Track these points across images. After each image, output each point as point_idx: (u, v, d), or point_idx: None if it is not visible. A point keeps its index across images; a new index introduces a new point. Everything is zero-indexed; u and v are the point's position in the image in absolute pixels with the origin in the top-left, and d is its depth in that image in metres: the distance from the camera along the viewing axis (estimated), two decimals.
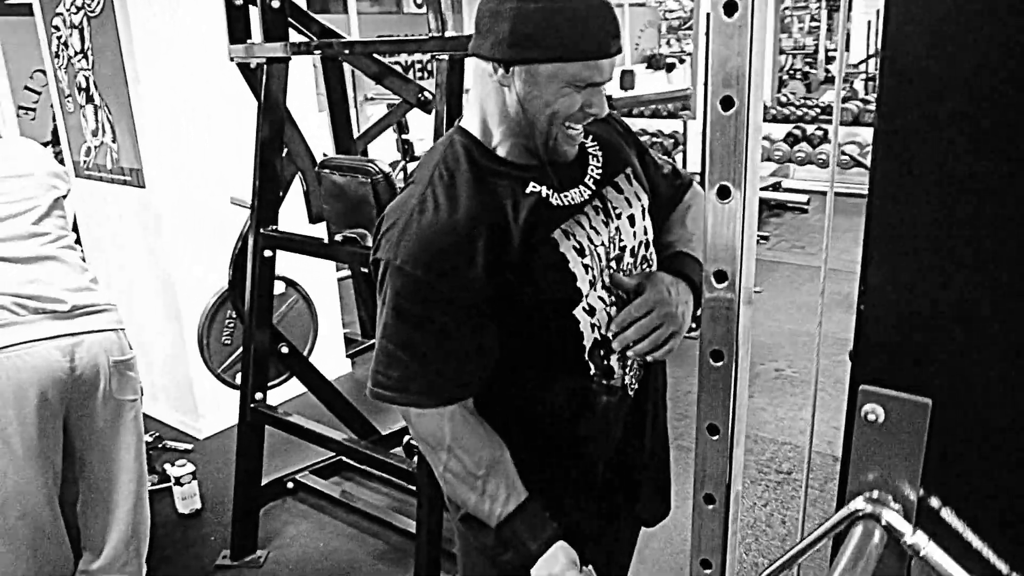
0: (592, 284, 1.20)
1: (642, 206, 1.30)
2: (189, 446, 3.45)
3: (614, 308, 1.23)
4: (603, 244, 1.22)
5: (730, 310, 0.71)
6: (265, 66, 2.34)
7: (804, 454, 3.17)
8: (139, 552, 2.27)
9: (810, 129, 7.35)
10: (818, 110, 7.71)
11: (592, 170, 1.26)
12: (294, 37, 2.51)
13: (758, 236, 5.95)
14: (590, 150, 1.28)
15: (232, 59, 2.49)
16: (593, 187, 1.24)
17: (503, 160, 1.20)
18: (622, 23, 11.25)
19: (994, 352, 0.56)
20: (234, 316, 2.89)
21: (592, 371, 1.23)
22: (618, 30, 1.12)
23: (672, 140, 7.64)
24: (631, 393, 1.30)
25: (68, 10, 3.18)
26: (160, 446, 3.45)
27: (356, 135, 2.95)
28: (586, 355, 1.22)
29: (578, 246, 1.19)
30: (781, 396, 3.71)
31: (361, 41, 2.47)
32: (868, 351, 0.61)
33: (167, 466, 3.03)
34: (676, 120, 7.53)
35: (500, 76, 1.13)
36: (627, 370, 1.28)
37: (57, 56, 3.35)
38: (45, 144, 6.53)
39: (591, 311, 1.20)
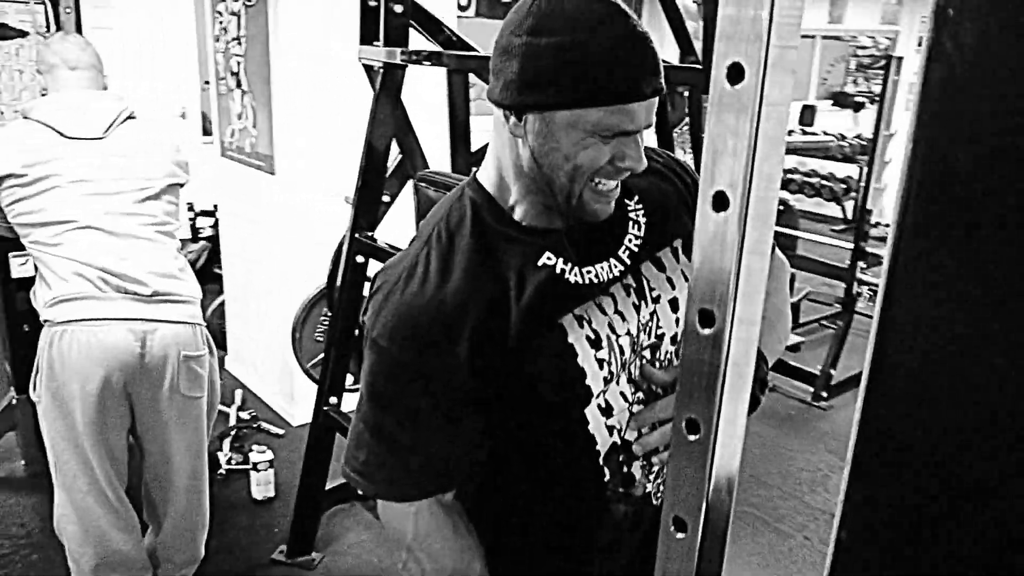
0: (608, 380, 1.01)
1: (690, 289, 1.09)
2: (281, 431, 3.51)
3: (641, 407, 1.03)
4: (628, 333, 1.02)
5: (714, 365, 0.53)
6: (381, 70, 2.29)
7: None
8: (195, 539, 2.28)
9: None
10: None
11: (630, 240, 1.05)
12: (425, 44, 2.46)
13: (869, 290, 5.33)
14: (632, 214, 1.07)
15: (360, 60, 2.48)
16: (628, 262, 1.04)
17: (517, 223, 1.01)
18: (812, 55, 10.60)
19: None
20: (328, 315, 2.88)
21: (608, 478, 1.04)
22: (656, 66, 0.91)
23: (844, 186, 7.09)
24: (655, 501, 1.10)
25: None
26: (255, 426, 3.53)
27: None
28: (601, 460, 1.03)
29: (592, 336, 0.99)
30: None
31: (475, 56, 2.37)
32: None
33: (253, 447, 3.08)
34: (852, 164, 6.96)
35: (512, 125, 0.95)
36: (652, 477, 1.08)
37: (217, 39, 3.50)
38: None
39: (607, 410, 1.01)
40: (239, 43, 3.31)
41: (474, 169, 1.07)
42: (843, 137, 7.73)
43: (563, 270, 1.00)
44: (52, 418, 1.98)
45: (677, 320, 1.07)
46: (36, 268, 2.02)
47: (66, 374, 1.93)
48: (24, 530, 2.76)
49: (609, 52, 0.88)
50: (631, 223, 1.06)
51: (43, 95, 2.15)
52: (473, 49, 2.57)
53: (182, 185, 2.22)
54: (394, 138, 2.48)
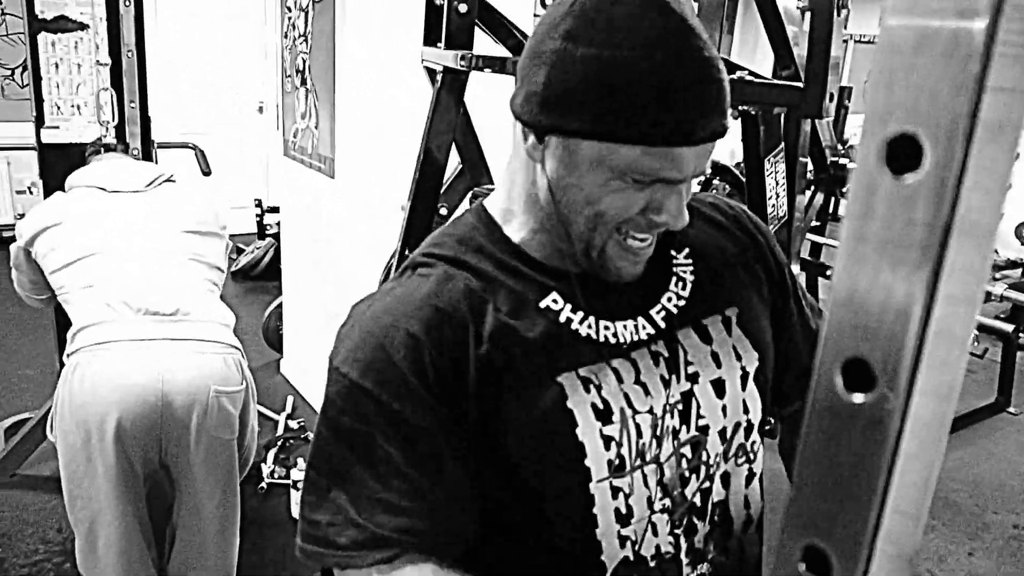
0: (618, 468, 0.78)
1: (743, 370, 0.85)
2: None
3: (664, 516, 0.80)
4: (651, 412, 0.80)
5: (861, 459, 0.29)
6: (440, 75, 2.11)
7: None
8: None
9: None
10: None
11: (669, 299, 0.84)
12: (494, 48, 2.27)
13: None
14: (678, 269, 0.85)
15: (422, 62, 2.31)
16: (662, 325, 0.82)
17: (523, 255, 0.81)
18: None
19: None
20: None
21: None
22: (722, 102, 0.71)
23: None
24: None
25: None
26: (303, 436, 3.40)
27: None
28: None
29: (601, 405, 0.78)
30: (1013, 565, 2.90)
31: None
32: None
33: (299, 462, 2.95)
34: None
35: (531, 146, 0.76)
36: None
37: (286, 36, 3.39)
38: None
39: (624, 517, 0.79)
40: (306, 40, 3.19)
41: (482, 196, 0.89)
42: None
43: (570, 319, 0.79)
44: (65, 463, 1.80)
45: (725, 409, 0.84)
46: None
47: (81, 415, 1.73)
48: (61, 536, 2.68)
49: (662, 78, 0.68)
50: (675, 279, 0.85)
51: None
52: None
53: (221, 238, 2.12)
54: (455, 146, 2.30)
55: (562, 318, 0.80)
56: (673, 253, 0.86)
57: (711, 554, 0.88)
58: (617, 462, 0.79)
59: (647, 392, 0.80)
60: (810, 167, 1.89)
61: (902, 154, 0.27)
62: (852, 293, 0.29)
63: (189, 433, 1.80)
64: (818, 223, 3.73)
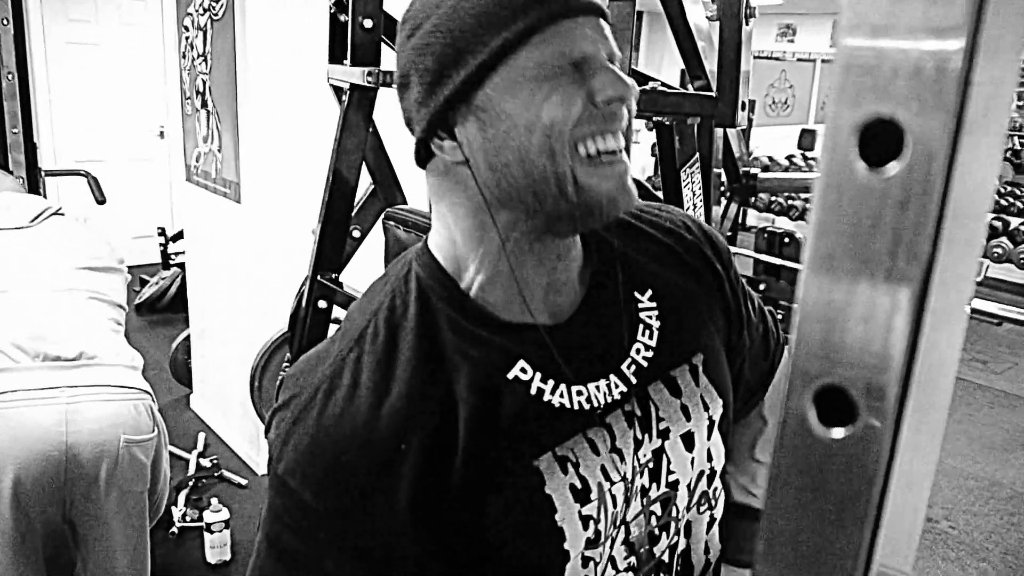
0: (593, 542, 0.73)
1: (709, 419, 0.81)
2: (244, 481, 3.21)
3: (629, 574, 0.76)
4: (624, 478, 0.75)
5: (845, 498, 0.24)
6: (348, 93, 2.03)
7: None
8: None
9: (1015, 222, 6.35)
10: None
11: (638, 351, 0.78)
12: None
13: None
14: (644, 314, 0.79)
15: (328, 80, 2.23)
16: (633, 380, 0.77)
17: (479, 311, 0.73)
18: (812, 79, 10.49)
19: None
20: (291, 361, 2.60)
21: None
22: None
23: None
24: None
25: (197, 11, 3.06)
26: (217, 475, 3.23)
27: None
28: None
29: (579, 484, 0.72)
30: (931, 558, 2.99)
31: None
32: None
33: (212, 503, 2.79)
34: None
35: (451, 154, 0.70)
36: None
37: (184, 56, 3.25)
38: None
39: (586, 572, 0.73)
40: (205, 60, 3.06)
41: (427, 236, 0.79)
42: None
43: (541, 390, 0.72)
44: None
45: (693, 461, 0.80)
46: None
47: None
48: None
49: None
50: (642, 327, 0.79)
51: None
52: None
53: (120, 272, 1.98)
54: (365, 166, 2.22)
55: (533, 390, 0.72)
56: (637, 295, 0.80)
57: None
58: (594, 538, 0.74)
59: (622, 458, 0.75)
60: (723, 177, 1.90)
61: (878, 143, 0.23)
62: (823, 309, 0.25)
63: (98, 487, 1.65)
64: (729, 233, 3.81)
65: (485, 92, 0.67)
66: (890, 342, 0.24)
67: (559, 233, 0.73)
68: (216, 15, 2.91)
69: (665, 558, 0.81)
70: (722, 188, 1.86)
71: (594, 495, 0.72)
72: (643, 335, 0.79)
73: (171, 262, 4.87)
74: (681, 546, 0.83)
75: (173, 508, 2.90)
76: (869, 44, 0.23)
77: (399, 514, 0.68)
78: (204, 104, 3.13)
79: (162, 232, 4.82)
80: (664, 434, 0.78)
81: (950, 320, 0.25)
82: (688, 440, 0.79)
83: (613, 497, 0.74)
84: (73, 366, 1.66)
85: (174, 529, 2.84)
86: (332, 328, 2.27)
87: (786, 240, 4.05)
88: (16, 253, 1.80)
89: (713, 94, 1.40)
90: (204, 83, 3.10)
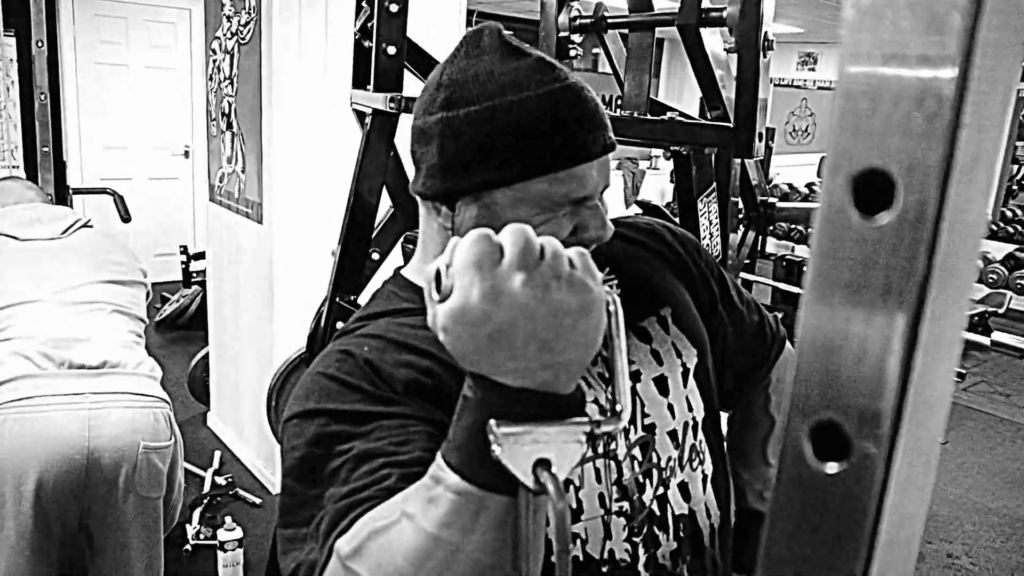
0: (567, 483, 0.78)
1: (683, 366, 0.87)
2: (259, 500, 3.23)
3: (622, 520, 0.80)
4: (596, 402, 0.81)
5: (842, 537, 0.25)
6: (370, 117, 2.07)
7: None
8: None
9: None
10: None
11: None
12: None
13: None
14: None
15: (351, 105, 2.27)
16: None
17: None
18: (833, 107, 10.64)
19: None
20: None
21: None
22: (600, 117, 0.76)
23: None
24: None
25: (225, 35, 3.12)
26: (231, 493, 3.25)
27: None
28: None
29: None
30: None
31: None
32: None
33: (226, 521, 2.80)
34: None
35: (443, 218, 0.77)
36: None
37: (211, 79, 3.32)
38: None
39: (574, 512, 0.80)
40: (231, 83, 3.12)
41: (397, 268, 0.92)
42: None
43: None
44: None
45: (671, 407, 0.85)
46: None
47: None
48: None
49: (541, 111, 0.73)
50: None
51: None
52: None
53: (144, 285, 2.03)
54: (386, 190, 2.25)
55: None
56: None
57: (684, 573, 0.86)
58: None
59: (588, 385, 0.81)
60: (740, 206, 1.91)
61: (870, 193, 0.24)
62: (820, 347, 0.26)
63: (116, 491, 1.69)
64: (747, 261, 3.81)
65: (493, 196, 0.75)
66: (883, 377, 0.24)
67: None
68: (243, 39, 2.97)
69: (656, 509, 0.83)
70: (739, 216, 1.87)
71: None
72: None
73: (192, 280, 4.92)
74: (679, 508, 0.85)
75: (187, 525, 2.92)
76: (863, 92, 0.24)
77: (387, 396, 0.74)
78: (229, 126, 3.19)
79: (184, 250, 4.88)
80: (635, 376, 0.83)
81: (943, 354, 0.26)
82: (661, 384, 0.85)
83: None
84: (96, 374, 1.70)
85: (188, 547, 2.86)
86: None
87: (804, 268, 4.04)
88: (47, 264, 1.84)
89: (730, 124, 1.41)
90: (230, 105, 3.15)
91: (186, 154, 5.95)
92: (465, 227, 0.75)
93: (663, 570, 0.84)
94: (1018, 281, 6.13)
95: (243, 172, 3.14)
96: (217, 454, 3.49)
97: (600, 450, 0.80)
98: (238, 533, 2.70)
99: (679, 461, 0.85)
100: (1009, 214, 7.36)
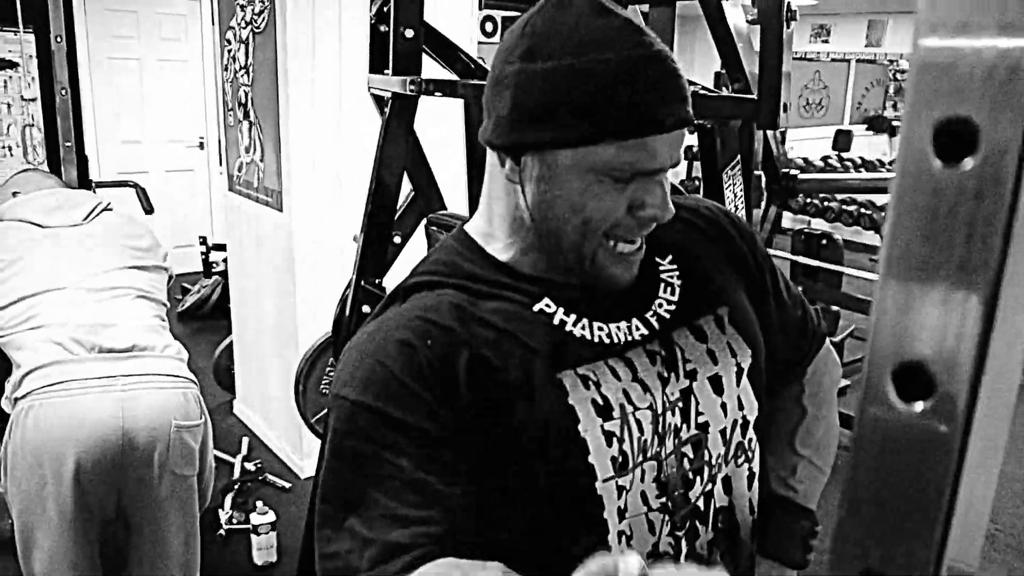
0: (622, 465, 0.78)
1: (737, 366, 0.86)
2: (288, 484, 3.27)
3: (663, 516, 0.81)
4: (652, 408, 0.80)
5: (928, 470, 0.26)
6: (389, 101, 2.08)
7: None
8: None
9: None
10: None
11: (660, 305, 0.84)
12: (438, 72, 2.25)
13: None
14: (665, 275, 0.86)
15: (369, 89, 2.28)
16: (656, 326, 0.83)
17: (507, 267, 0.82)
18: (847, 79, 10.40)
19: None
20: (335, 365, 2.66)
21: None
22: (681, 90, 0.73)
23: (884, 214, 6.76)
24: None
25: (239, 24, 3.13)
26: (261, 478, 3.29)
27: None
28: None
29: (601, 401, 0.77)
30: (990, 572, 2.95)
31: None
32: None
33: (257, 505, 2.85)
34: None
35: (508, 170, 0.77)
36: None
37: (226, 69, 3.33)
38: None
39: (622, 512, 0.79)
40: (247, 72, 3.13)
41: (462, 222, 0.90)
42: (881, 164, 7.41)
43: (564, 321, 0.80)
44: (18, 512, 1.70)
45: (724, 406, 0.84)
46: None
47: (32, 459, 1.64)
48: None
49: (620, 75, 0.71)
50: (663, 285, 0.86)
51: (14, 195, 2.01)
52: None
53: (166, 270, 2.06)
54: (406, 174, 2.26)
55: (556, 320, 0.80)
56: (658, 260, 0.87)
57: (716, 562, 0.87)
58: (621, 459, 0.79)
59: (645, 389, 0.81)
60: (763, 179, 1.91)
61: (952, 142, 0.25)
62: (902, 295, 0.27)
63: (152, 470, 1.73)
64: (768, 235, 3.79)
65: (556, 156, 0.74)
66: (965, 325, 0.26)
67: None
68: (258, 28, 2.98)
69: (700, 505, 0.84)
70: (762, 189, 1.87)
71: (616, 413, 0.78)
72: (665, 292, 0.85)
73: (212, 270, 4.97)
74: (720, 501, 0.86)
75: (220, 511, 2.97)
76: (945, 44, 0.25)
77: (433, 407, 0.75)
78: (246, 115, 3.21)
79: (203, 241, 4.93)
80: (691, 375, 0.83)
81: (1018, 309, 0.27)
82: (716, 383, 0.84)
83: (638, 422, 0.79)
84: (126, 357, 1.74)
85: (221, 532, 2.91)
86: None
87: (824, 242, 4.02)
88: (70, 251, 1.87)
89: (753, 96, 1.41)
90: (246, 94, 3.17)
91: (201, 145, 5.98)
92: (529, 183, 0.76)
93: (701, 560, 0.86)
94: None
95: (262, 161, 3.16)
96: (245, 441, 3.54)
97: (649, 454, 0.81)
98: (271, 517, 2.75)
99: (724, 457, 0.86)
100: None
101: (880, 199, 6.83)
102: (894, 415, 0.27)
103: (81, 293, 1.79)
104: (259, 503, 2.83)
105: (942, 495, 0.26)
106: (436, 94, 2.03)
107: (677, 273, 0.87)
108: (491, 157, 0.82)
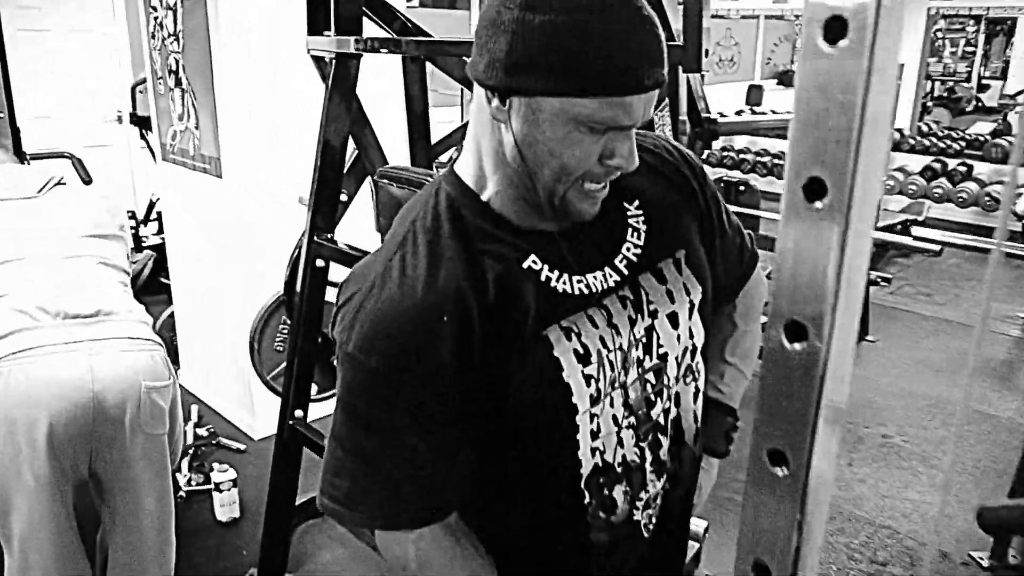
0: (596, 399, 0.92)
1: (690, 302, 0.99)
2: (242, 446, 3.35)
3: (630, 432, 0.95)
4: (620, 348, 0.93)
5: (806, 386, 0.44)
6: (334, 61, 2.16)
7: (905, 543, 2.76)
8: None
9: (952, 164, 6.69)
10: (963, 143, 7.02)
11: (628, 249, 0.96)
12: (377, 33, 2.33)
13: (879, 277, 5.45)
14: (632, 220, 0.97)
15: (309, 52, 2.34)
16: (625, 272, 0.94)
17: (499, 218, 0.91)
18: (756, 35, 10.70)
19: None
20: (288, 323, 2.74)
21: (588, 500, 0.95)
22: (661, 55, 0.82)
23: None
24: (645, 533, 1.02)
25: None
26: (214, 443, 3.36)
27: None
28: (583, 483, 0.94)
29: (580, 350, 0.90)
30: (886, 468, 3.27)
31: (436, 41, 2.26)
32: None
33: (215, 466, 2.92)
34: None
35: (495, 108, 0.84)
36: (638, 505, 0.99)
37: (153, 37, 3.31)
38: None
39: (595, 433, 0.92)
40: (177, 39, 3.13)
41: (450, 157, 0.98)
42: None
43: (549, 278, 0.90)
44: None
45: (679, 338, 0.98)
46: None
47: (5, 427, 1.67)
48: None
49: (611, 37, 0.78)
50: (631, 230, 0.97)
51: None
52: (429, 36, 2.45)
53: (123, 239, 2.09)
54: (350, 134, 2.35)
55: (543, 277, 0.90)
56: (626, 205, 0.97)
57: (674, 467, 1.03)
58: (595, 395, 0.92)
59: (617, 332, 0.93)
60: (687, 123, 2.07)
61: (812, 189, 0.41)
62: (789, 271, 0.43)
63: (124, 430, 1.78)
64: None
65: (541, 103, 0.82)
66: (825, 288, 0.41)
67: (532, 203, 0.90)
68: None
69: (661, 420, 1.00)
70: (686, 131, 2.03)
71: (594, 359, 0.91)
72: (632, 236, 0.96)
73: (143, 245, 4.91)
74: (673, 413, 1.01)
75: (178, 475, 3.03)
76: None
77: (444, 370, 0.85)
78: (178, 83, 3.21)
79: (132, 215, 4.85)
80: (653, 314, 0.96)
81: (858, 272, 0.42)
82: (673, 319, 0.98)
83: (611, 362, 0.92)
84: (92, 322, 1.78)
85: (181, 494, 2.97)
86: (330, 288, 2.40)
87: (741, 188, 4.27)
88: (27, 222, 1.90)
89: (679, 44, 1.56)
90: (177, 62, 3.17)
91: (119, 119, 5.84)
92: (513, 123, 0.84)
93: (663, 466, 1.01)
94: (935, 191, 6.52)
95: (197, 128, 3.18)
96: (194, 408, 3.58)
97: (616, 384, 0.94)
98: (232, 474, 2.84)
99: (677, 378, 1.00)
100: (925, 128, 7.76)
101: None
102: (785, 352, 0.43)
103: (42, 262, 1.83)
104: (215, 464, 2.91)
105: (813, 389, 0.43)
106: (382, 51, 2.12)
107: (643, 218, 0.97)
108: (478, 94, 0.87)
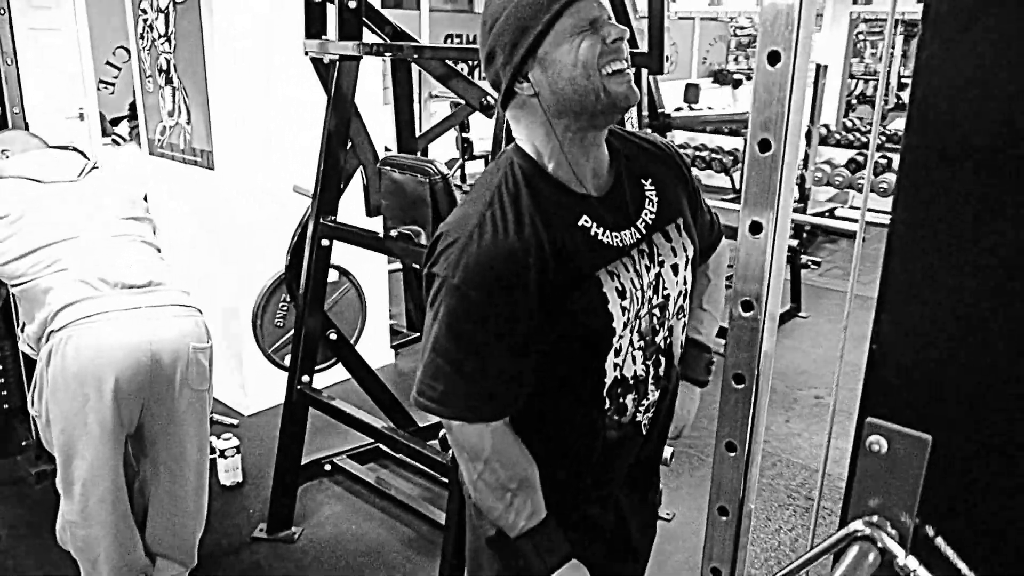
0: (626, 325, 1.22)
1: (687, 257, 1.31)
2: (235, 421, 3.59)
3: (640, 352, 1.27)
4: (641, 288, 1.24)
5: (754, 338, 0.77)
6: (337, 63, 2.43)
7: (835, 483, 3.16)
8: (194, 536, 2.31)
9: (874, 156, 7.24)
10: (883, 138, 7.60)
11: (646, 214, 1.27)
12: (367, 36, 2.61)
13: (810, 261, 5.92)
14: (648, 193, 1.29)
15: (307, 53, 2.60)
16: (644, 231, 1.25)
17: (561, 186, 1.20)
18: (692, 35, 11.09)
19: (994, 398, 0.60)
20: (288, 300, 3.00)
21: (607, 406, 1.26)
22: None
23: (732, 157, 7.60)
24: (644, 432, 1.35)
25: None
26: (217, 422, 3.58)
27: (419, 133, 3.04)
28: (604, 391, 1.24)
29: (620, 288, 1.20)
30: (817, 424, 3.70)
31: (431, 47, 2.56)
32: (876, 386, 0.65)
33: (213, 439, 3.15)
34: (738, 137, 7.49)
35: (526, 88, 1.15)
36: (640, 410, 1.32)
37: (142, 37, 3.51)
38: (121, 119, 6.82)
39: (618, 351, 1.23)
40: (168, 40, 3.35)
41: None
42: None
43: (596, 232, 1.20)
44: (61, 428, 1.98)
45: (677, 283, 1.30)
46: (18, 309, 2.03)
47: (76, 382, 1.92)
48: None
49: None
50: (647, 200, 1.28)
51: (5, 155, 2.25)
52: (414, 40, 2.74)
53: (151, 222, 2.34)
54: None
55: (591, 232, 1.19)
56: (643, 182, 1.28)
57: (670, 380, 1.37)
58: (625, 323, 1.22)
59: (639, 276, 1.24)
60: (646, 117, 2.42)
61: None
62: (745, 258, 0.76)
63: (174, 386, 2.05)
64: None
65: (544, 48, 1.13)
66: (764, 273, 0.74)
67: (597, 126, 1.19)
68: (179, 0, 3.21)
69: (661, 345, 1.32)
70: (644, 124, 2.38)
71: (627, 295, 1.22)
72: (648, 204, 1.28)
73: None
74: (667, 342, 1.34)
75: None
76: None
77: (529, 298, 1.14)
78: (169, 81, 3.42)
79: None
80: (661, 264, 1.28)
81: (782, 234, 0.76)
82: (675, 269, 1.29)
83: (637, 298, 1.24)
84: (146, 291, 2.05)
85: None
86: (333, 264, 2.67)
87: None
88: (74, 205, 2.13)
89: (643, 49, 1.90)
90: (168, 61, 3.38)
91: (81, 116, 5.94)
92: (542, 83, 1.13)
93: (660, 380, 1.33)
94: (859, 181, 7.06)
95: (188, 123, 3.40)
96: None
97: (637, 315, 1.24)
98: (235, 441, 3.08)
99: (673, 315, 1.32)
100: (849, 124, 8.34)
101: (728, 143, 7.66)
102: (742, 320, 0.76)
103: (96, 240, 2.07)
104: (214, 437, 3.14)
105: (755, 344, 0.76)
106: (386, 55, 2.41)
107: (655, 192, 1.28)
108: (510, 108, 1.19)
